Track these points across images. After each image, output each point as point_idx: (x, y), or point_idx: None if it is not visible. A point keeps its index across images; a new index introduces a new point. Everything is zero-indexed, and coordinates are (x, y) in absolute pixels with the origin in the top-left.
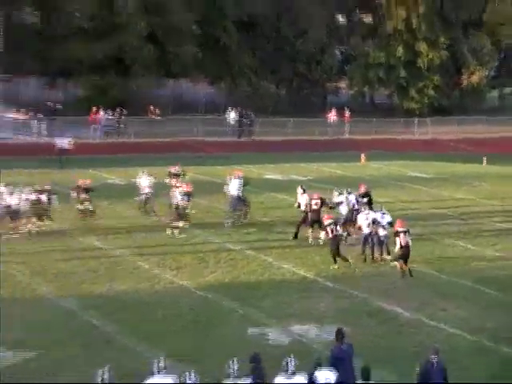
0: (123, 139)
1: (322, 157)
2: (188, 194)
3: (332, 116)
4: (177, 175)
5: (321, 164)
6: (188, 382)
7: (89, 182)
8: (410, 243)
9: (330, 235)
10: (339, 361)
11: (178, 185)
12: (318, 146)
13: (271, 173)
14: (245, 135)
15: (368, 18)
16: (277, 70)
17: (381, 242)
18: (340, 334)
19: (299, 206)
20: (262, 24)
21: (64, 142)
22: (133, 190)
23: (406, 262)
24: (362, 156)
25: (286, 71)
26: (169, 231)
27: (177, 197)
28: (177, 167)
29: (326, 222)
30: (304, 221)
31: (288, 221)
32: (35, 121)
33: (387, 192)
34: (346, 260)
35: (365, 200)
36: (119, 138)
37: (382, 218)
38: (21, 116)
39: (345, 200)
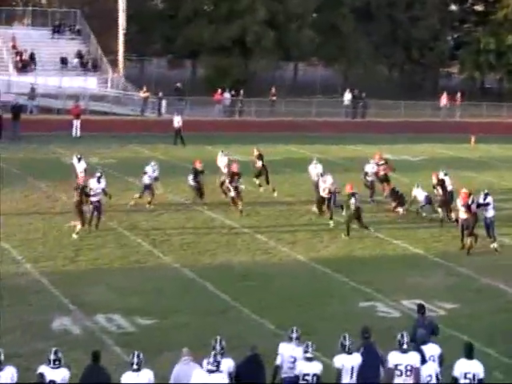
0: (244, 118)
1: (432, 138)
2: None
3: (443, 99)
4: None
5: (432, 145)
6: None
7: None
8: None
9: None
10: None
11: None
12: (429, 128)
13: (383, 153)
14: (359, 116)
15: (480, 7)
16: (390, 55)
17: (487, 224)
18: (422, 309)
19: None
20: (377, 11)
21: (177, 120)
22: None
23: (359, 220)
24: (472, 138)
25: (399, 56)
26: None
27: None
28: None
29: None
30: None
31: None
32: (160, 99)
33: (496, 173)
34: (476, 239)
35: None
36: (240, 117)
37: (484, 199)
38: (147, 94)
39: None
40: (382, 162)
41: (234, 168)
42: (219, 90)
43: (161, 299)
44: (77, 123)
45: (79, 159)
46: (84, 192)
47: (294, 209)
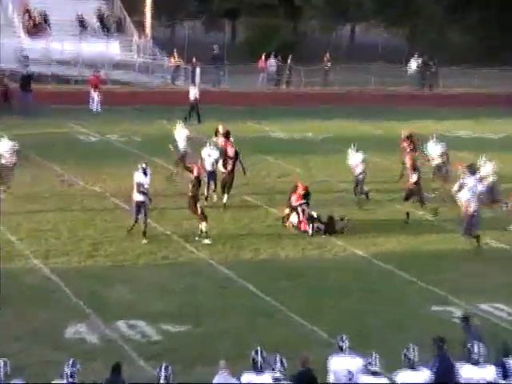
0: (293, 89)
1: None
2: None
3: None
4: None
5: None
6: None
7: None
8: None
9: None
10: None
11: None
12: (510, 101)
13: (457, 129)
14: (427, 87)
15: None
16: (464, 17)
17: None
18: (466, 320)
19: None
20: None
21: (193, 93)
22: (299, 144)
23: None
24: None
25: (475, 18)
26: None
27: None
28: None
29: None
30: None
31: None
32: (194, 67)
33: None
34: None
35: None
36: (287, 88)
37: None
38: (178, 62)
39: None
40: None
41: (230, 151)
42: (263, 57)
43: (193, 302)
44: (96, 95)
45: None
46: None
47: (351, 197)
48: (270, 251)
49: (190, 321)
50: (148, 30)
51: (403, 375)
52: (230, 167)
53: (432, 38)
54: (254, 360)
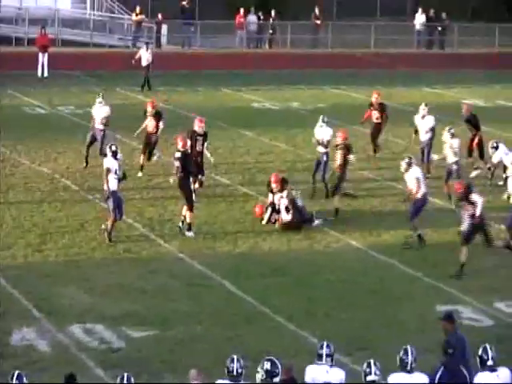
0: (276, 49)
1: None
2: None
3: None
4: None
5: None
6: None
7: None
8: None
9: None
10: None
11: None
12: None
13: (470, 97)
14: (436, 46)
15: None
16: None
17: None
18: (452, 318)
19: None
20: None
21: (146, 57)
22: (284, 116)
23: None
24: None
25: None
26: None
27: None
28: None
29: None
30: None
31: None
32: (159, 24)
33: None
34: None
35: None
36: (271, 48)
37: None
38: (141, 17)
39: None
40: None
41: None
42: (241, 11)
43: (161, 303)
44: (43, 58)
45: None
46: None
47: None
48: (250, 242)
49: (156, 324)
50: None
51: (395, 377)
52: None
53: None
54: (229, 369)
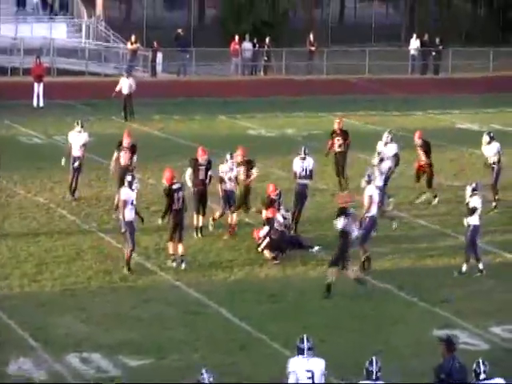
0: (271, 76)
1: None
2: None
3: None
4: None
5: None
6: None
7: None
8: None
9: None
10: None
11: None
12: None
13: (465, 121)
14: (430, 71)
15: None
16: None
17: None
18: (452, 344)
19: None
20: None
21: (127, 85)
22: (279, 143)
23: None
24: None
25: None
26: None
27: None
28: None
29: None
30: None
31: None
32: (154, 52)
33: None
34: None
35: None
36: (266, 75)
37: None
38: (136, 46)
39: None
40: None
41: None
42: (236, 38)
43: (157, 331)
44: (39, 88)
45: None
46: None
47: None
48: (246, 269)
49: (153, 352)
50: (99, 9)
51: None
52: None
53: (436, 10)
54: None
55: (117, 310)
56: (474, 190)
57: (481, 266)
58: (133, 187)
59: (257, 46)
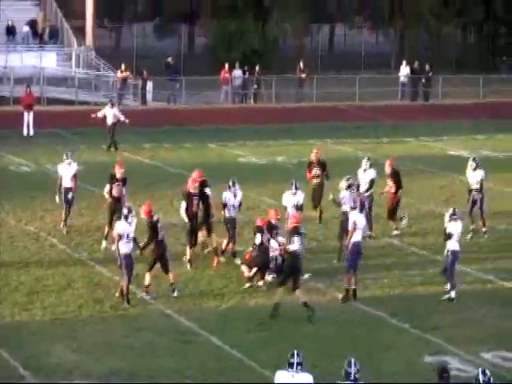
0: (261, 104)
1: None
2: None
3: None
4: None
5: None
6: None
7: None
8: None
9: None
10: None
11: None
12: None
13: (457, 148)
14: (420, 98)
15: None
16: (464, 12)
17: None
18: (445, 373)
19: None
20: None
21: (111, 114)
22: (270, 170)
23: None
24: None
25: (477, 12)
26: None
27: None
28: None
29: None
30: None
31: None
32: (144, 81)
33: None
34: None
35: None
36: (256, 103)
37: None
38: (126, 74)
39: None
40: None
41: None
42: (226, 66)
43: (148, 360)
44: (29, 117)
45: None
46: None
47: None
48: (236, 298)
49: (144, 381)
50: (89, 38)
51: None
52: None
53: (424, 38)
54: None
55: (107, 339)
56: (452, 215)
57: (453, 294)
58: (129, 220)
59: (247, 73)
